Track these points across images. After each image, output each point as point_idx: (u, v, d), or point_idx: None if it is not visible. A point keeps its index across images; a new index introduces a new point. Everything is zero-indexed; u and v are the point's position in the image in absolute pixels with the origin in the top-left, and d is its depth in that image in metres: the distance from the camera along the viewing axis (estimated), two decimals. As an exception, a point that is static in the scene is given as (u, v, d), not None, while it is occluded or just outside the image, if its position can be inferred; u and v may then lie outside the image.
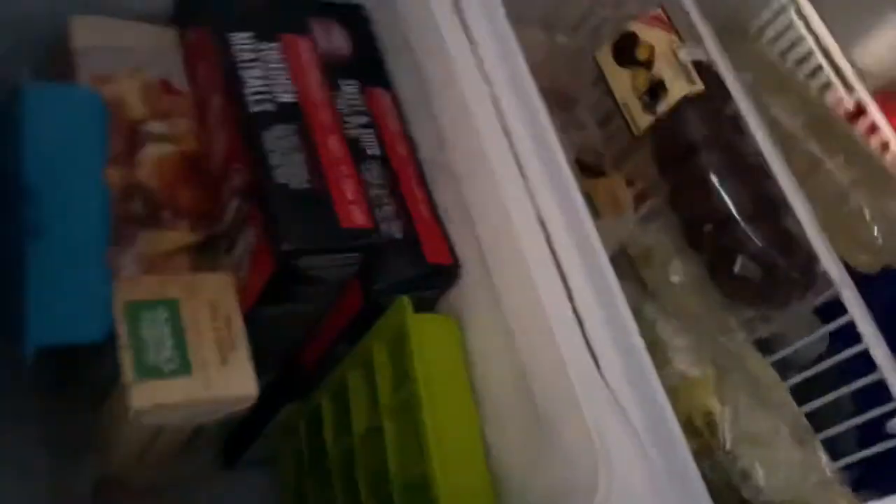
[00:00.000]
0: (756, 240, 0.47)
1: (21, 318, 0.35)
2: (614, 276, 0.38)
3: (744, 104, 0.52)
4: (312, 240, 0.38)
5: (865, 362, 0.48)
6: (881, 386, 0.46)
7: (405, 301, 0.41)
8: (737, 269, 0.48)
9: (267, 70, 0.42)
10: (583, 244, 0.38)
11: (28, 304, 0.35)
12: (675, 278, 0.55)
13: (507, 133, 0.41)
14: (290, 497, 0.54)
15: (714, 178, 0.50)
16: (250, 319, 0.42)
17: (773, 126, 0.61)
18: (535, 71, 0.57)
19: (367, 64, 0.48)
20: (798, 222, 0.49)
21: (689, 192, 0.52)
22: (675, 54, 0.53)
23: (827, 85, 0.69)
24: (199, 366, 0.39)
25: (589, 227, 0.39)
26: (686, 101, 0.52)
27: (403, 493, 0.41)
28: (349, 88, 0.46)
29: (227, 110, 0.42)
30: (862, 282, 0.49)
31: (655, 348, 0.48)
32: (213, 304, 0.41)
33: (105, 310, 0.37)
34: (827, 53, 0.68)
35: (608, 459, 0.32)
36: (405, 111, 0.48)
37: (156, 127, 0.44)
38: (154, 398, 0.37)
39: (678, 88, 0.52)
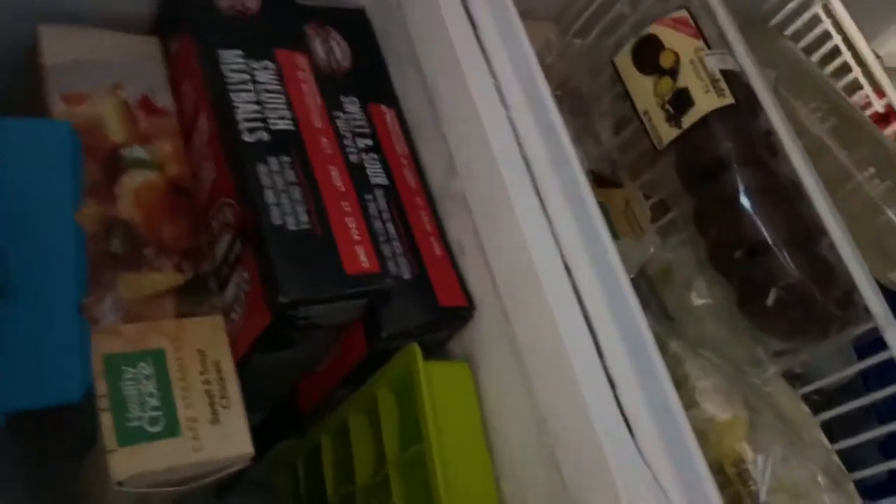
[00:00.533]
0: (792, 270, 0.44)
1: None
2: (649, 331, 0.34)
3: (776, 118, 0.48)
4: (313, 289, 0.34)
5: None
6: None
7: (415, 349, 0.37)
8: (770, 301, 0.44)
9: (260, 93, 0.37)
10: (614, 294, 0.34)
11: (-4, 365, 0.31)
12: (697, 301, 0.52)
13: (525, 160, 0.37)
14: (287, 536, 0.51)
15: (745, 200, 0.46)
16: (242, 367, 0.38)
17: (801, 133, 0.57)
18: (548, 73, 0.53)
19: (368, 77, 0.44)
20: (835, 249, 0.46)
21: (716, 212, 0.48)
22: (702, 63, 0.49)
23: (853, 83, 0.65)
24: (187, 425, 0.35)
25: (621, 274, 0.35)
26: (714, 113, 0.48)
27: (413, 557, 0.38)
28: (350, 107, 0.42)
29: (216, 137, 0.38)
30: (888, 297, 0.46)
31: (682, 387, 0.45)
32: (202, 353, 0.37)
33: (83, 367, 0.33)
34: (854, 51, 0.65)
35: (648, 551, 0.29)
36: (412, 130, 0.44)
37: (137, 152, 0.40)
38: (138, 466, 0.34)
39: (707, 102, 0.47)
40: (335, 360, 0.41)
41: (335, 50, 0.43)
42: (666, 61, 0.50)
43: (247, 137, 0.36)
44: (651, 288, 0.54)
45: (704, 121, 0.48)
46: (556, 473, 0.34)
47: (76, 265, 0.33)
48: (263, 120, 0.37)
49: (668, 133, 0.50)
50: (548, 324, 0.34)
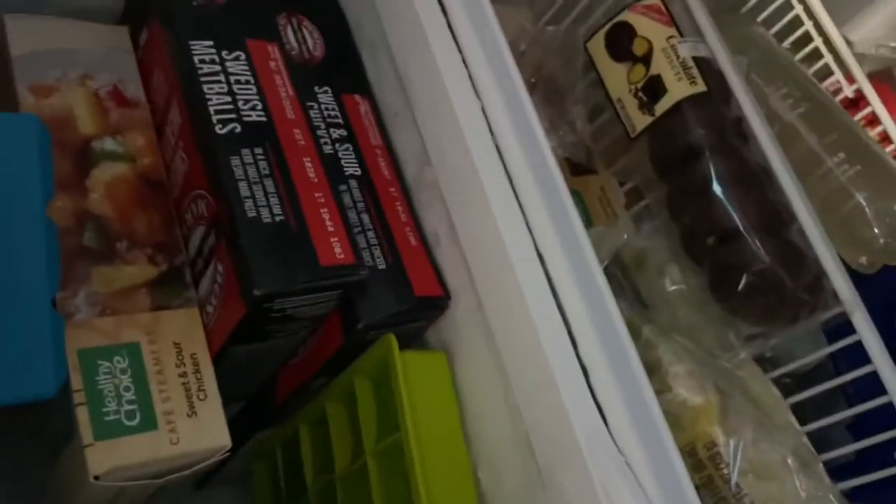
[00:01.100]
0: (762, 256, 0.44)
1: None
2: (622, 318, 0.34)
3: (748, 106, 0.49)
4: (288, 281, 0.34)
5: (869, 381, 0.46)
6: (888, 408, 0.44)
7: (391, 339, 0.37)
8: (742, 287, 0.45)
9: (232, 84, 0.37)
10: (587, 282, 0.35)
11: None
12: (670, 287, 0.53)
13: (499, 150, 0.37)
14: (267, 525, 0.52)
15: (717, 187, 0.47)
16: (219, 359, 0.38)
17: (772, 119, 0.58)
18: (522, 60, 0.53)
19: (341, 66, 0.44)
20: (804, 234, 0.46)
21: (688, 199, 0.49)
22: (674, 50, 0.49)
23: (824, 69, 0.66)
24: (164, 418, 0.35)
25: (593, 263, 0.35)
26: (686, 101, 0.48)
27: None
28: (324, 97, 0.42)
29: (188, 129, 0.38)
30: (858, 281, 0.47)
31: (655, 372, 0.46)
32: (178, 346, 0.37)
33: (56, 362, 0.33)
34: (825, 37, 0.65)
35: (620, 533, 0.29)
36: (386, 121, 0.44)
37: (108, 144, 0.39)
38: (115, 460, 0.34)
39: (679, 89, 0.48)
40: (312, 350, 0.41)
41: (307, 39, 0.43)
42: (639, 49, 0.50)
43: (219, 129, 0.36)
44: (625, 274, 0.55)
45: (677, 108, 0.48)
46: (532, 461, 0.35)
47: (48, 260, 0.33)
48: (236, 111, 0.37)
49: (641, 120, 0.50)
50: (521, 312, 0.34)
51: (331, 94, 0.42)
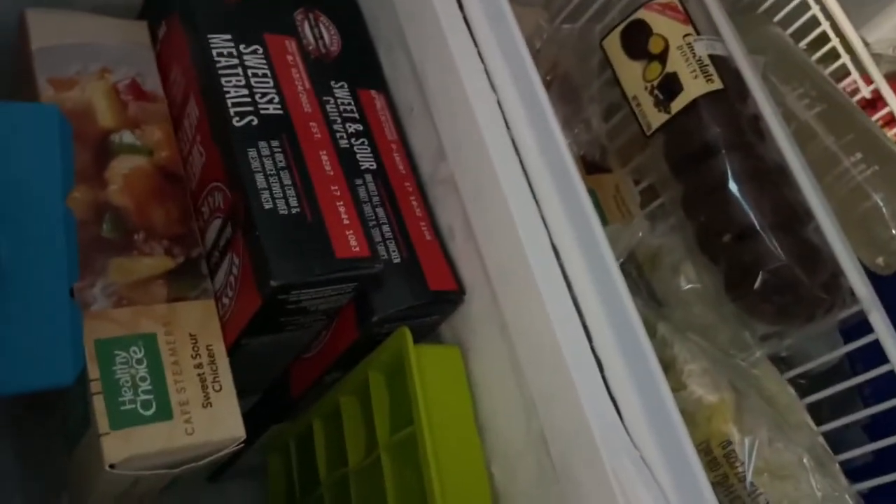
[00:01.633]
0: (778, 254, 0.44)
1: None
2: (637, 313, 0.34)
3: (764, 104, 0.48)
4: (304, 273, 0.34)
5: (886, 381, 0.46)
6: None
7: (405, 332, 0.38)
8: (758, 285, 0.44)
9: (250, 78, 0.37)
10: (602, 277, 0.35)
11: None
12: (685, 285, 0.53)
13: (515, 145, 0.37)
14: (280, 520, 0.52)
15: (733, 185, 0.47)
16: (234, 351, 0.38)
17: (789, 118, 0.58)
18: (537, 58, 0.53)
19: (357, 62, 0.44)
20: (821, 233, 0.46)
21: (704, 197, 0.49)
22: (691, 48, 0.49)
23: (841, 69, 0.66)
24: (180, 408, 0.36)
25: (609, 257, 0.35)
26: (702, 98, 0.48)
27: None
28: (339, 92, 0.42)
29: (206, 122, 0.38)
30: (875, 282, 0.47)
31: (670, 370, 0.45)
32: (193, 337, 0.37)
33: (74, 351, 0.33)
34: (843, 37, 0.65)
35: (635, 528, 0.29)
36: (401, 116, 0.44)
37: (126, 137, 0.40)
38: (131, 449, 0.34)
39: (695, 87, 0.48)
40: (326, 343, 0.41)
41: (324, 34, 0.43)
42: (655, 47, 0.50)
43: (237, 122, 0.36)
44: (640, 272, 0.54)
45: (693, 106, 0.48)
46: (546, 455, 0.35)
47: (67, 250, 0.33)
48: (253, 104, 0.37)
49: (656, 118, 0.50)
50: (537, 307, 0.34)
51: (347, 89, 0.42)
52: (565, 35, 0.58)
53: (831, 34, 0.65)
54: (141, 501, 0.40)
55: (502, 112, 0.37)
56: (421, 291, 0.38)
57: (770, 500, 0.41)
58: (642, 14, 0.51)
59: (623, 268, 0.53)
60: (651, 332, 0.45)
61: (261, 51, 0.38)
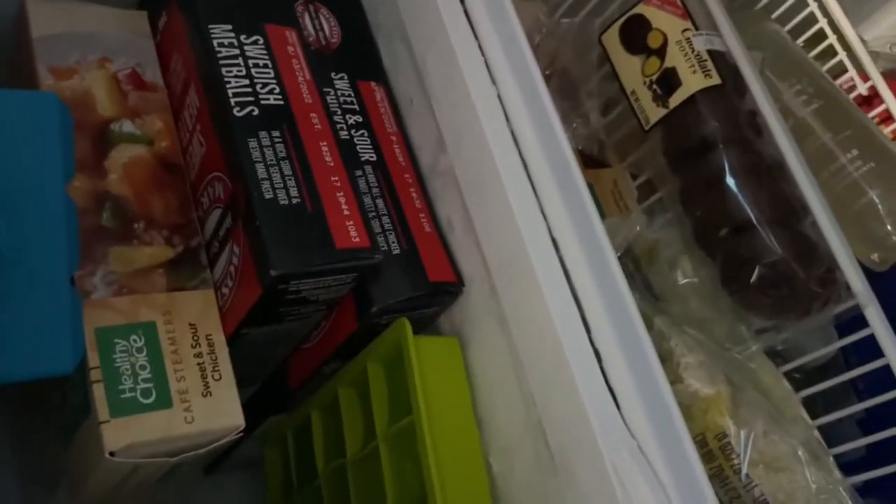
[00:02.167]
0: (775, 248, 0.44)
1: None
2: (635, 304, 0.34)
3: (762, 99, 0.49)
4: (304, 262, 0.34)
5: (880, 375, 0.46)
6: (901, 403, 0.44)
7: (405, 323, 0.38)
8: (754, 279, 0.45)
9: (250, 68, 0.37)
10: (601, 268, 0.35)
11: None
12: (682, 280, 0.53)
13: (515, 138, 0.38)
14: (276, 511, 0.52)
15: (730, 179, 0.47)
16: (233, 340, 0.38)
17: (786, 115, 0.58)
18: (536, 52, 0.53)
19: (357, 53, 0.44)
20: (817, 227, 0.46)
21: (701, 191, 0.49)
22: (689, 43, 0.49)
23: (838, 66, 0.66)
24: (179, 397, 0.36)
25: (607, 249, 0.35)
26: (701, 93, 0.48)
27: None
28: (339, 83, 0.42)
29: (206, 112, 0.38)
30: (869, 278, 0.47)
31: (667, 363, 0.46)
32: (193, 326, 0.37)
33: (74, 339, 0.33)
34: (840, 34, 0.65)
35: (632, 516, 0.29)
36: (401, 108, 0.44)
37: (126, 126, 0.40)
38: (130, 437, 0.34)
39: (694, 82, 0.48)
40: (325, 334, 0.41)
41: (324, 26, 0.43)
42: (654, 41, 0.50)
43: (237, 112, 0.36)
44: (637, 267, 0.55)
45: (691, 100, 0.48)
46: (544, 447, 0.35)
47: (68, 238, 0.33)
48: (254, 95, 0.37)
49: (655, 113, 0.50)
50: (536, 299, 0.34)
51: (347, 81, 0.42)
52: (564, 29, 0.58)
53: (829, 31, 0.65)
54: (138, 490, 0.40)
55: (502, 105, 0.38)
56: (420, 283, 0.38)
57: (765, 492, 0.41)
58: (641, 9, 0.51)
59: (620, 262, 0.53)
60: (648, 325, 0.45)
61: (261, 41, 0.38)
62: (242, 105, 0.36)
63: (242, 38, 0.38)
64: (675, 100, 0.49)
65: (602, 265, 0.35)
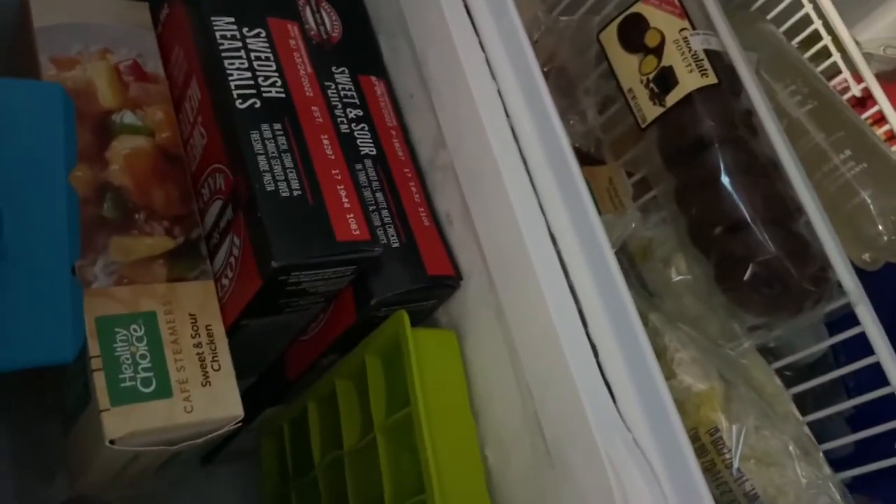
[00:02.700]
0: (769, 246, 0.45)
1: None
2: (631, 298, 0.35)
3: (758, 99, 0.49)
4: (305, 254, 0.35)
5: (871, 372, 0.47)
6: (889, 400, 0.45)
7: (403, 317, 0.38)
8: (747, 277, 0.45)
9: (252, 61, 0.38)
10: (598, 263, 0.35)
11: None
12: (676, 277, 0.53)
13: (514, 133, 0.38)
14: (271, 501, 0.52)
15: (725, 178, 0.47)
16: (233, 331, 0.39)
17: (780, 115, 0.58)
18: (534, 50, 0.54)
19: (358, 48, 0.44)
20: (810, 227, 0.47)
21: (697, 190, 0.49)
22: (686, 42, 0.49)
23: (832, 67, 0.67)
24: (179, 386, 0.36)
25: (604, 244, 0.36)
26: (697, 92, 0.49)
27: (398, 518, 0.39)
28: (340, 77, 0.42)
29: (208, 104, 0.38)
30: (860, 278, 0.48)
31: (661, 359, 0.46)
32: (193, 317, 0.38)
33: (76, 328, 0.34)
34: (834, 35, 0.66)
35: (627, 507, 0.30)
36: (401, 103, 0.44)
37: (127, 117, 0.40)
38: (130, 425, 0.34)
39: (691, 81, 0.48)
40: (323, 326, 0.42)
41: (325, 20, 0.44)
42: (651, 40, 0.51)
43: (240, 104, 0.37)
44: (632, 264, 0.55)
45: (688, 99, 0.49)
46: (540, 439, 0.35)
47: (69, 227, 0.33)
48: (256, 87, 0.37)
49: (651, 111, 0.51)
50: (534, 292, 0.35)
51: (347, 75, 0.43)
52: (563, 27, 0.59)
53: (823, 33, 0.66)
54: (136, 480, 0.41)
55: (502, 101, 0.38)
56: (419, 276, 0.39)
57: (755, 486, 0.42)
58: (639, 8, 0.51)
59: (615, 258, 0.54)
60: (643, 321, 0.45)
61: (263, 34, 0.39)
62: (245, 97, 0.37)
63: (245, 30, 0.38)
64: (672, 98, 0.49)
65: (599, 260, 0.35)
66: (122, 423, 0.34)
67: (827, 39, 0.66)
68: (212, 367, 0.37)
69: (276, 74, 0.38)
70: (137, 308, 0.37)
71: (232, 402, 0.37)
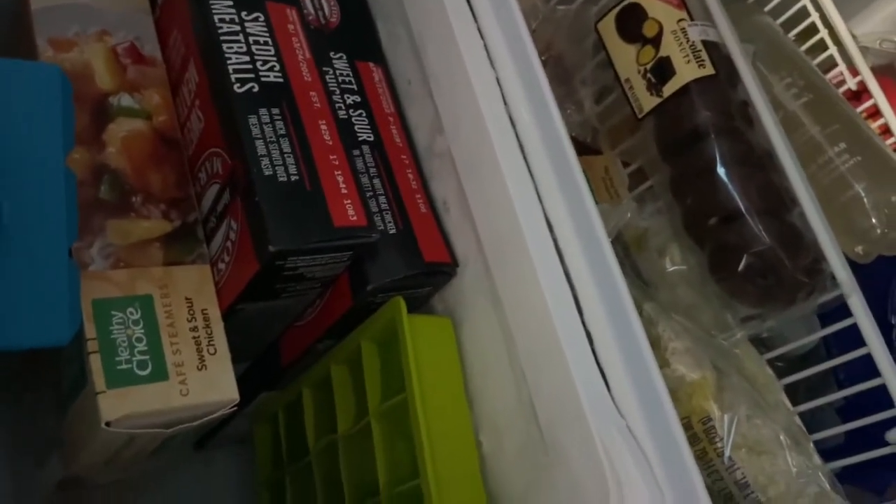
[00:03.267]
0: (763, 237, 0.45)
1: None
2: (626, 287, 0.35)
3: (754, 90, 0.49)
4: (302, 239, 0.35)
5: (862, 363, 0.47)
6: (879, 391, 0.45)
7: (400, 303, 0.38)
8: (741, 267, 0.46)
9: (251, 45, 0.38)
10: (593, 251, 0.36)
11: (-16, 305, 0.32)
12: (670, 267, 0.54)
13: (512, 121, 0.38)
14: (266, 490, 0.52)
15: (721, 169, 0.48)
16: (229, 316, 0.39)
17: (776, 107, 0.59)
18: (532, 38, 0.54)
19: (356, 34, 0.44)
20: (804, 218, 0.47)
21: (692, 180, 0.50)
22: (684, 33, 0.49)
23: (828, 60, 0.67)
24: (175, 370, 0.36)
25: (600, 232, 0.36)
26: (694, 83, 0.49)
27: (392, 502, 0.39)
28: (338, 63, 0.42)
29: (206, 88, 0.38)
30: (853, 271, 0.48)
31: (655, 348, 0.46)
32: (189, 301, 0.38)
33: (72, 310, 0.34)
34: (831, 29, 0.66)
35: (620, 494, 0.30)
36: (399, 89, 0.44)
37: (125, 100, 0.40)
38: (126, 408, 0.34)
39: (688, 71, 0.48)
40: (319, 312, 0.42)
41: (324, 5, 0.44)
42: (649, 30, 0.51)
43: (238, 88, 0.36)
44: (626, 253, 0.55)
45: (685, 90, 0.49)
46: (534, 426, 0.36)
47: (67, 209, 0.33)
48: (254, 71, 0.37)
49: (648, 101, 0.51)
50: (530, 279, 0.35)
51: (345, 60, 0.43)
52: (560, 16, 0.59)
53: (820, 26, 0.66)
54: (130, 463, 0.41)
55: (500, 88, 0.38)
56: (416, 262, 0.39)
57: (746, 475, 0.42)
58: (637, -3, 0.51)
59: (611, 246, 0.54)
60: (637, 310, 0.46)
61: (262, 18, 0.39)
62: (243, 81, 0.37)
63: (243, 14, 0.38)
64: (669, 89, 0.50)
65: (595, 248, 0.35)
66: (118, 406, 0.34)
67: (823, 32, 0.66)
68: (207, 350, 0.37)
69: (275, 59, 0.38)
70: (134, 291, 0.37)
71: (227, 386, 0.37)
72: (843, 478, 0.48)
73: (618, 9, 0.52)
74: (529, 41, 0.40)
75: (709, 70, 0.49)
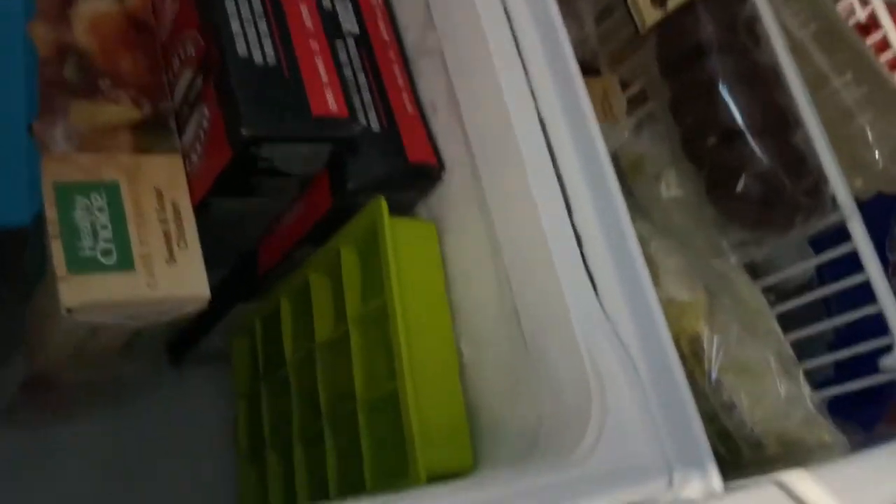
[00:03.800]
0: (763, 157, 0.43)
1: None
2: (619, 191, 0.33)
3: (763, 5, 0.47)
4: (277, 126, 0.33)
5: (857, 293, 0.46)
6: (875, 319, 0.44)
7: (381, 202, 0.36)
8: (739, 188, 0.44)
9: (229, -84, 0.35)
10: (587, 152, 0.34)
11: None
12: (667, 192, 0.52)
13: (508, 16, 0.36)
14: (243, 400, 0.51)
15: (722, 86, 0.46)
16: (201, 211, 0.37)
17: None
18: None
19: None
20: (807, 140, 0.45)
21: (692, 98, 0.48)
22: (692, -57, 0.47)
23: (839, -11, 0.65)
24: (142, 261, 0.34)
25: (595, 133, 0.34)
26: (700, -3, 0.47)
27: (369, 411, 0.38)
28: (325, -51, 0.39)
29: (181, -37, 0.36)
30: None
31: (646, 268, 0.45)
32: (159, 191, 0.36)
33: (31, 190, 0.32)
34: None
35: (603, 396, 0.29)
36: (388, -19, 0.42)
37: (94, -22, 0.37)
38: (88, 294, 0.33)
39: (694, -18, 0.46)
40: (298, 216, 0.40)
41: None
42: (655, -59, 0.48)
43: (213, -37, 0.34)
44: (622, 179, 0.54)
45: (690, 3, 0.46)
46: (517, 332, 0.34)
47: (26, 81, 0.31)
48: (231, -55, 0.34)
49: (651, 15, 0.48)
50: (520, 178, 0.33)
51: (332, -52, 0.40)
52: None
53: (833, -47, 0.63)
54: (98, 363, 0.39)
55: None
56: (399, 162, 0.37)
57: (733, 396, 0.41)
58: None
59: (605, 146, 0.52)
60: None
61: None
62: (219, -45, 0.34)
63: None
64: (674, 2, 0.47)
65: (588, 146, 0.34)
66: (79, 292, 0.32)
67: (835, -41, 0.63)
68: (177, 244, 0.35)
69: (254, -65, 0.35)
70: (99, 177, 0.35)
71: (198, 282, 0.35)
72: (832, 412, 0.47)
73: (623, -82, 0.49)
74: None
75: (716, -18, 0.46)
